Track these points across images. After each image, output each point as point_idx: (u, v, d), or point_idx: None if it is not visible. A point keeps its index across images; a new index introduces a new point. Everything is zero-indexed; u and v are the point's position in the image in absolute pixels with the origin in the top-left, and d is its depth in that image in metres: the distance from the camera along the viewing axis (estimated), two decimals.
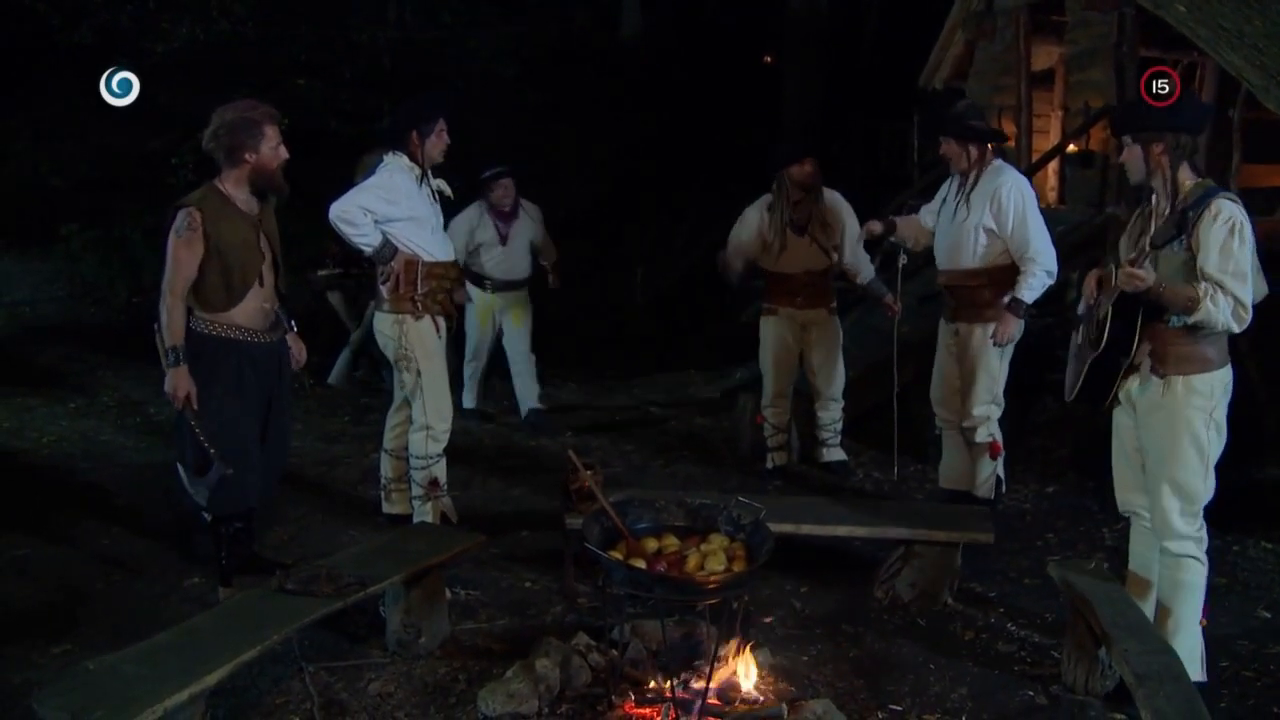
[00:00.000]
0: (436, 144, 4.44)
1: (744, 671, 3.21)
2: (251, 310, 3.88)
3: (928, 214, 5.01)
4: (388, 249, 4.36)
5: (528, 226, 6.54)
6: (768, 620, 3.94)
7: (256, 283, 3.87)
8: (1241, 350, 3.32)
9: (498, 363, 6.94)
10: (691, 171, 13.25)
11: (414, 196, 4.38)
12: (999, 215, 4.55)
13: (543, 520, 4.87)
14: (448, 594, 3.84)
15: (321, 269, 8.04)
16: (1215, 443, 3.26)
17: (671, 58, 14.73)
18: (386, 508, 4.87)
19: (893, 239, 5.19)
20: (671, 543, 3.25)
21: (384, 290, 4.49)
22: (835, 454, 5.76)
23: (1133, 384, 3.34)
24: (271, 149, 3.82)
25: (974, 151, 4.63)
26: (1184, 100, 3.25)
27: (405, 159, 4.40)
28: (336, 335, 7.95)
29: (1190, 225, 3.12)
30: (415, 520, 4.60)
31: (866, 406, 6.07)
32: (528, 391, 6.79)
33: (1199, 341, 3.20)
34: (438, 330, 4.52)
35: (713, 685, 3.09)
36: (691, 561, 3.13)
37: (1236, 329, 3.14)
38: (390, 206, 4.31)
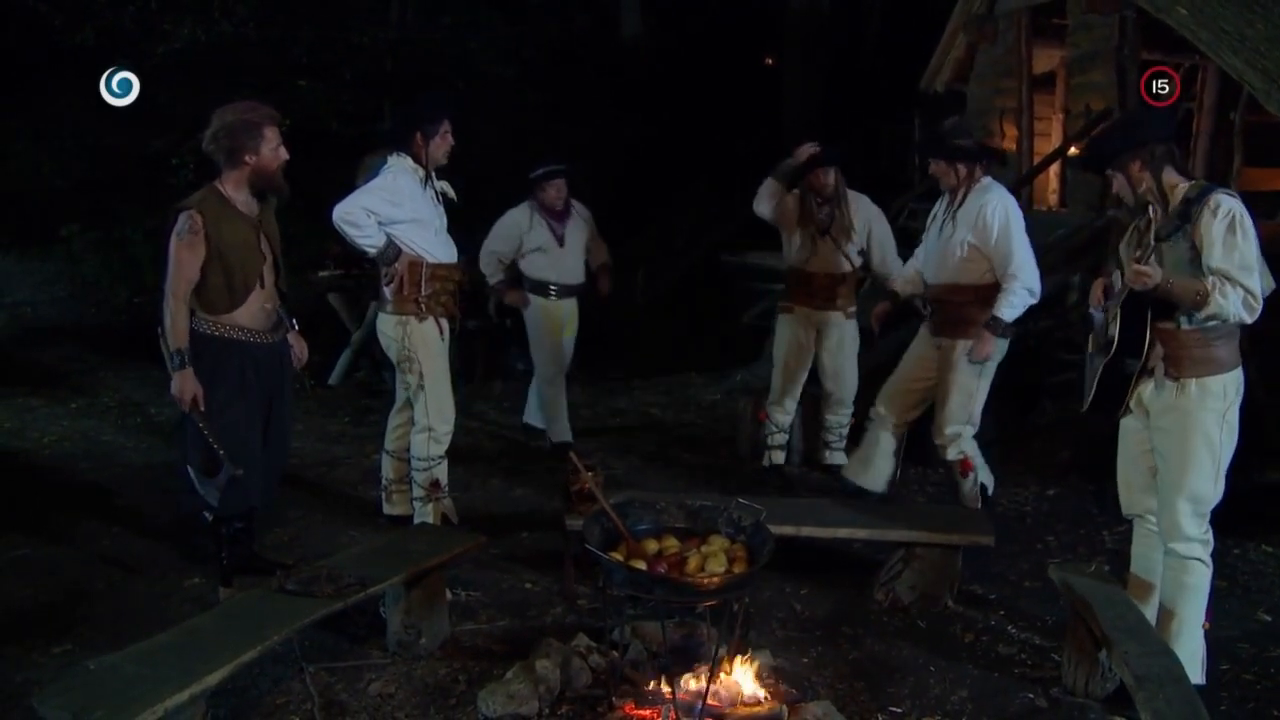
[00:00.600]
0: (441, 145, 4.44)
1: (744, 673, 3.21)
2: (253, 311, 3.88)
3: (919, 254, 5.01)
4: (391, 250, 4.36)
5: (581, 227, 6.07)
6: (768, 622, 3.94)
7: (258, 284, 3.88)
8: (1243, 351, 3.32)
9: (499, 364, 6.93)
10: (692, 173, 13.26)
11: (418, 198, 4.39)
12: (983, 232, 4.56)
13: (543, 521, 4.88)
14: (448, 595, 3.84)
15: (322, 270, 8.05)
16: (1227, 445, 3.27)
17: (672, 59, 14.73)
18: (387, 509, 4.87)
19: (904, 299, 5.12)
20: (672, 544, 3.25)
21: (387, 292, 4.49)
22: (838, 457, 5.75)
23: (1145, 388, 3.34)
24: (272, 150, 3.83)
25: (962, 170, 4.66)
26: (1140, 114, 3.29)
27: (409, 160, 4.41)
28: (337, 336, 7.96)
29: (1193, 217, 3.13)
30: (416, 521, 4.60)
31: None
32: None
33: (1212, 344, 3.20)
34: (441, 332, 4.53)
35: (713, 687, 3.09)
36: (692, 563, 3.13)
37: (1249, 319, 3.14)
38: (394, 208, 4.31)
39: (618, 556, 3.09)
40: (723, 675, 3.16)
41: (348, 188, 4.48)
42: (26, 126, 11.81)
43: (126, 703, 2.57)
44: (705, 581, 3.01)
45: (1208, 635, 3.44)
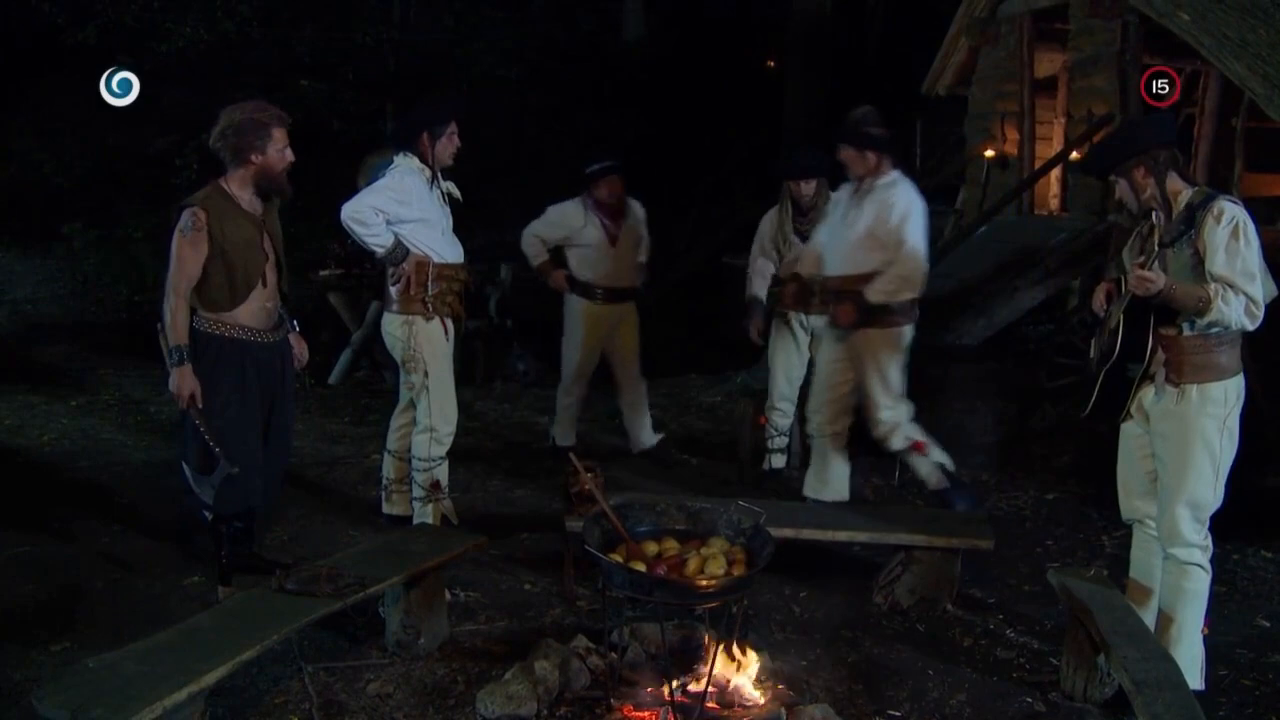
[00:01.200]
0: (447, 146, 4.45)
1: (743, 676, 3.21)
2: (254, 310, 3.88)
3: (820, 238, 5.04)
4: (399, 250, 4.37)
5: (635, 225, 5.75)
6: (767, 625, 3.94)
7: (260, 283, 3.87)
8: (1242, 358, 3.32)
9: (500, 364, 6.92)
10: (694, 175, 13.26)
11: (425, 198, 4.40)
12: (884, 221, 4.58)
13: (543, 522, 4.88)
14: (447, 595, 3.84)
15: (323, 269, 8.07)
16: (1228, 451, 3.27)
17: (674, 61, 14.74)
18: (387, 508, 4.87)
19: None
20: (671, 546, 3.25)
21: (394, 291, 4.50)
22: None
23: (1147, 394, 3.34)
24: (278, 151, 3.83)
25: (871, 159, 4.66)
26: (1142, 119, 3.29)
27: (416, 160, 4.42)
28: (338, 336, 7.97)
29: (1197, 223, 3.14)
30: (416, 521, 4.60)
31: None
32: (640, 425, 6.07)
33: (1214, 350, 3.20)
34: (446, 332, 4.53)
35: (711, 689, 3.09)
36: (691, 565, 3.13)
37: (1250, 326, 3.15)
38: (402, 208, 4.33)
39: (617, 558, 3.09)
40: (721, 678, 3.16)
41: (349, 187, 4.48)
42: (29, 124, 11.83)
43: (125, 701, 2.57)
44: (704, 584, 3.01)
45: (1207, 640, 3.44)
